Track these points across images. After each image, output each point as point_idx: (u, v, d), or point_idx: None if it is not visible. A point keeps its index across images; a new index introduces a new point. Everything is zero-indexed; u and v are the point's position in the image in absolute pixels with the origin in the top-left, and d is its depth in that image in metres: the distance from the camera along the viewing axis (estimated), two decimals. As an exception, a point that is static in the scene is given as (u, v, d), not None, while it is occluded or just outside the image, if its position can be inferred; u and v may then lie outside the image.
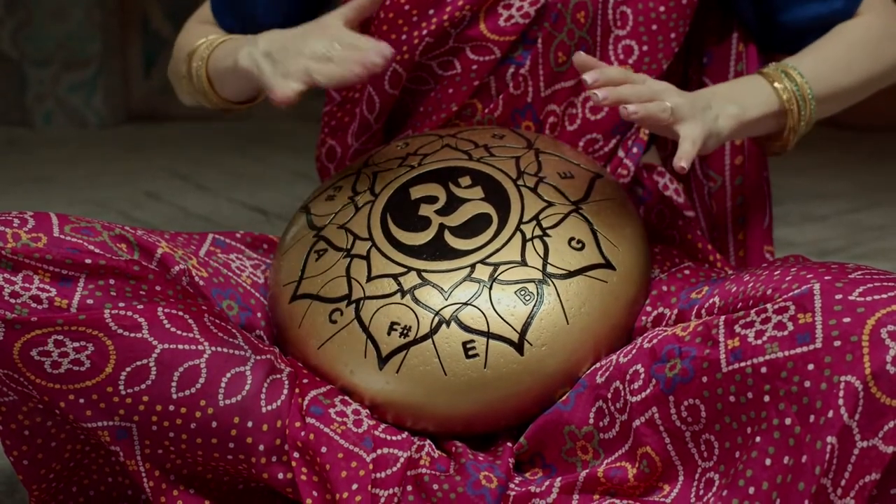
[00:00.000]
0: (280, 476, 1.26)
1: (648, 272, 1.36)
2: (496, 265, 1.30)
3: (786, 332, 1.14)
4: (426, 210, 1.36)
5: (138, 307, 1.25)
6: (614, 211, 1.36)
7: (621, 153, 1.47)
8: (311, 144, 1.46)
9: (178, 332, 1.25)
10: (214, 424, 1.25)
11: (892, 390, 1.08)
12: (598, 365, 1.29)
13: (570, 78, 1.46)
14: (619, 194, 1.39)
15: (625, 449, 1.25)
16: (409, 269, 1.31)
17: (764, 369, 1.14)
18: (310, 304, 1.33)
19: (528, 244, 1.31)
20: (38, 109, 4.63)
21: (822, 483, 1.09)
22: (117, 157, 4.08)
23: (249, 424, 1.26)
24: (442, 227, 1.34)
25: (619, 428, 1.25)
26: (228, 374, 1.26)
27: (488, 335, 1.27)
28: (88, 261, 1.25)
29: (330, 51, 1.33)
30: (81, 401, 1.24)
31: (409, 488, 1.25)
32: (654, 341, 1.24)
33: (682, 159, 1.25)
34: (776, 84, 1.38)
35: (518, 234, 1.32)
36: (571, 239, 1.32)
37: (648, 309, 1.33)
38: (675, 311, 1.30)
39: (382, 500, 1.23)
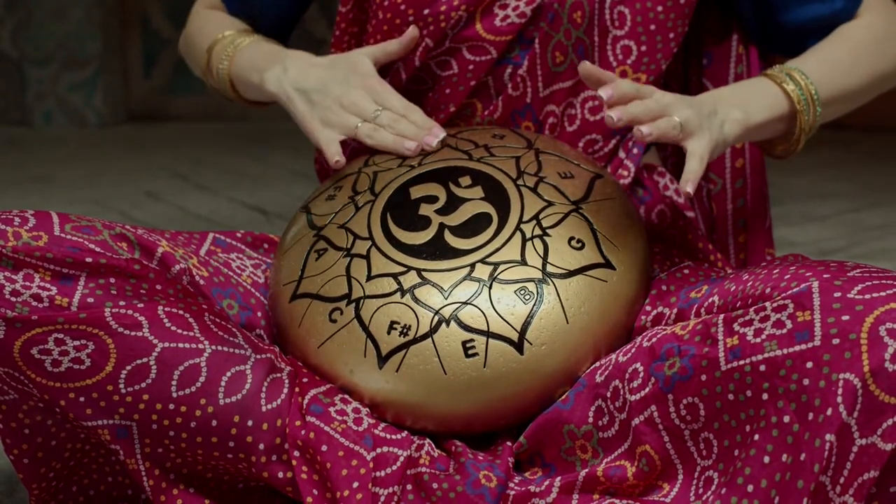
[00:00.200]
0: (280, 475, 1.26)
1: (648, 272, 1.36)
2: (496, 264, 1.30)
3: (784, 331, 1.14)
4: (426, 209, 1.36)
5: (139, 306, 1.25)
6: (614, 211, 1.36)
7: (622, 154, 1.47)
8: (311, 144, 1.47)
9: (179, 331, 1.26)
10: (214, 423, 1.25)
11: (891, 388, 1.08)
12: (597, 364, 1.29)
13: (567, 78, 1.46)
14: (620, 194, 1.39)
15: (624, 448, 1.25)
16: (409, 268, 1.31)
17: (763, 367, 1.14)
18: (310, 303, 1.33)
19: (528, 244, 1.31)
20: (37, 109, 4.64)
21: (821, 481, 1.09)
22: (117, 157, 4.08)
23: (249, 423, 1.26)
24: (442, 226, 1.34)
25: (618, 427, 1.25)
26: (229, 373, 1.26)
27: (488, 334, 1.27)
28: (89, 259, 1.25)
29: (380, 116, 1.41)
30: (82, 399, 1.25)
31: (409, 487, 1.25)
32: (654, 340, 1.24)
33: (689, 181, 1.26)
34: (785, 85, 1.39)
35: (518, 234, 1.32)
36: (571, 238, 1.32)
37: (648, 308, 1.33)
38: (675, 311, 1.30)
39: (382, 498, 1.23)
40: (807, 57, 1.45)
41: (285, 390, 1.28)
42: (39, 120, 4.63)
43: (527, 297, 1.28)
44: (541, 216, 1.33)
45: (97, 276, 1.25)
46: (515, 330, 1.27)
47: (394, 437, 1.28)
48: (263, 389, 1.27)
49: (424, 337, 1.27)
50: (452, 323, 1.27)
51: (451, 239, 1.33)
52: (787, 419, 1.12)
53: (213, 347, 1.26)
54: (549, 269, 1.29)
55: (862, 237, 2.93)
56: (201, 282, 1.34)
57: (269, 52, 1.50)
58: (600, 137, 1.47)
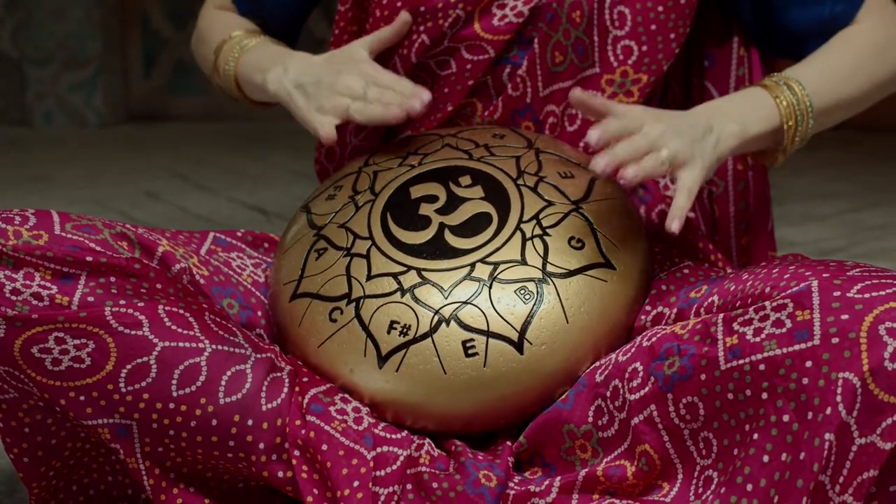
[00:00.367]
0: (280, 474, 1.26)
1: (648, 272, 1.36)
2: (496, 264, 1.30)
3: (784, 330, 1.14)
4: (426, 209, 1.36)
5: (139, 305, 1.25)
6: (614, 210, 1.36)
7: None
8: (311, 144, 1.47)
9: (179, 330, 1.26)
10: (214, 422, 1.26)
11: (890, 387, 1.08)
12: (597, 364, 1.29)
13: (567, 78, 1.46)
14: (620, 194, 1.39)
15: (624, 447, 1.25)
16: (409, 267, 1.31)
17: (762, 366, 1.14)
18: (310, 302, 1.33)
19: (528, 243, 1.31)
20: (37, 109, 4.64)
21: (821, 480, 1.10)
22: (117, 157, 4.08)
23: (249, 423, 1.26)
24: (442, 226, 1.34)
25: (617, 426, 1.25)
26: (229, 373, 1.26)
27: (488, 334, 1.27)
28: (89, 258, 1.25)
29: (368, 91, 1.40)
30: (82, 398, 1.25)
31: (409, 486, 1.25)
32: (654, 339, 1.25)
33: (676, 218, 1.26)
34: (779, 99, 1.38)
35: (518, 234, 1.32)
36: (571, 238, 1.32)
37: (648, 308, 1.33)
38: (675, 310, 1.30)
39: (382, 498, 1.23)
40: (806, 64, 1.44)
41: (285, 390, 1.28)
42: (39, 120, 4.63)
43: (527, 296, 1.28)
44: (541, 216, 1.33)
45: (98, 275, 1.25)
46: (515, 329, 1.27)
47: (394, 436, 1.28)
48: (263, 389, 1.27)
49: (424, 336, 1.28)
50: (452, 322, 1.27)
51: (451, 238, 1.33)
52: (786, 418, 1.13)
53: (214, 347, 1.26)
54: (550, 268, 1.29)
55: (862, 237, 2.93)
56: (201, 281, 1.34)
57: (274, 54, 1.51)
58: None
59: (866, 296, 1.12)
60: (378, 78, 1.41)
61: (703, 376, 1.19)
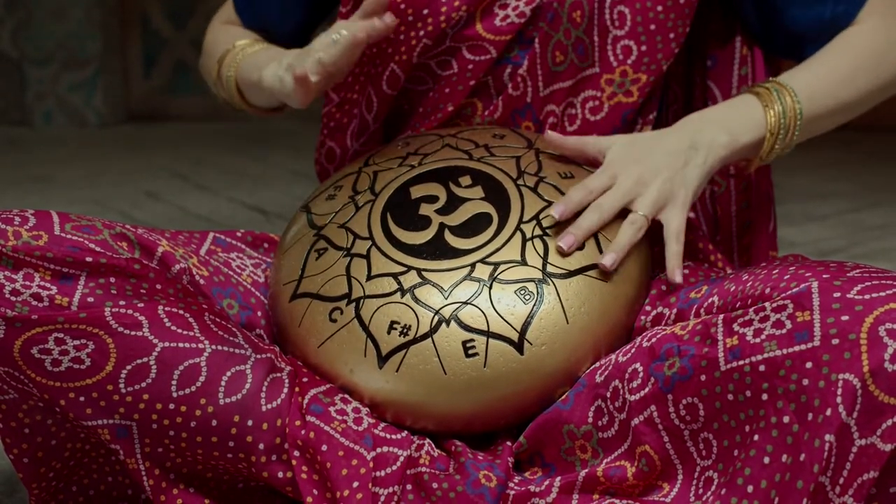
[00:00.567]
0: (280, 475, 1.26)
1: (648, 272, 1.36)
2: (496, 264, 1.30)
3: (784, 331, 1.14)
4: (426, 209, 1.36)
5: (139, 305, 1.25)
6: (614, 210, 1.36)
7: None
8: (311, 144, 1.47)
9: (179, 331, 1.26)
10: (214, 423, 1.26)
11: (891, 388, 1.08)
12: (597, 364, 1.29)
13: (568, 78, 1.46)
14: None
15: (624, 448, 1.25)
16: (409, 268, 1.31)
17: (762, 367, 1.14)
18: (310, 302, 1.33)
19: (528, 244, 1.31)
20: (37, 109, 4.64)
21: (821, 481, 1.09)
22: (117, 157, 4.08)
23: (249, 423, 1.26)
24: (442, 226, 1.34)
25: (617, 427, 1.25)
26: (229, 373, 1.26)
27: (488, 334, 1.27)
28: (89, 259, 1.25)
29: (336, 36, 1.37)
30: (82, 399, 1.25)
31: (409, 487, 1.25)
32: (654, 340, 1.25)
33: (675, 269, 1.29)
34: (767, 107, 1.38)
35: (518, 234, 1.32)
36: (571, 238, 1.32)
37: (648, 308, 1.33)
38: (675, 311, 1.30)
39: (382, 498, 1.23)
40: (805, 68, 1.44)
41: (285, 390, 1.28)
42: (39, 120, 4.63)
43: (527, 297, 1.28)
44: (541, 216, 1.33)
45: (97, 276, 1.25)
46: (515, 330, 1.27)
47: (394, 436, 1.28)
48: (263, 389, 1.27)
49: (424, 337, 1.28)
50: (452, 323, 1.27)
51: (451, 239, 1.33)
52: (786, 419, 1.12)
53: (214, 347, 1.26)
54: (550, 269, 1.29)
55: (862, 237, 2.93)
56: (201, 281, 1.34)
57: (274, 54, 1.50)
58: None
59: (866, 297, 1.12)
60: (347, 25, 1.38)
61: (703, 377, 1.19)
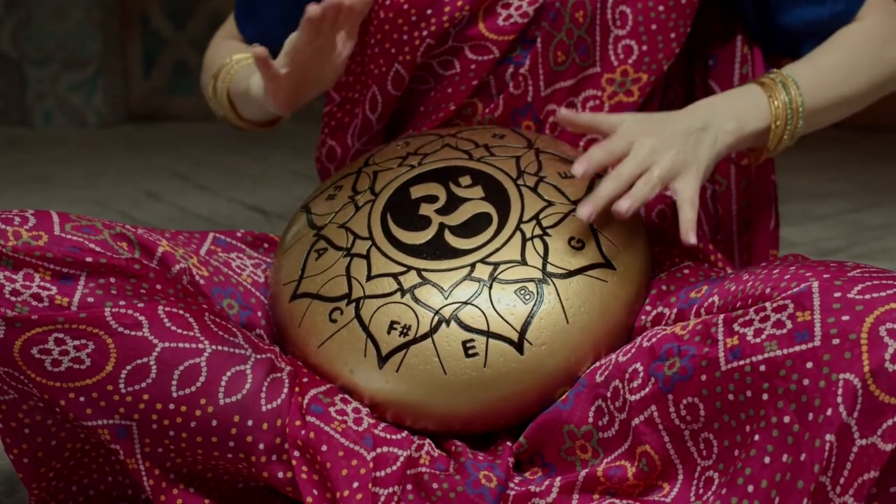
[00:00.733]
0: (280, 475, 1.26)
1: (648, 272, 1.36)
2: (496, 264, 1.30)
3: (784, 331, 1.14)
4: (426, 209, 1.36)
5: (139, 305, 1.25)
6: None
7: (622, 153, 1.47)
8: (311, 144, 1.47)
9: (179, 331, 1.25)
10: (214, 423, 1.25)
11: (891, 388, 1.08)
12: (597, 364, 1.29)
13: (569, 77, 1.46)
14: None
15: (624, 448, 1.25)
16: (409, 268, 1.31)
17: (763, 367, 1.14)
18: (310, 303, 1.33)
19: (528, 243, 1.31)
20: (37, 109, 4.64)
21: (821, 481, 1.09)
22: (117, 157, 4.08)
23: (249, 423, 1.26)
24: (442, 226, 1.34)
25: (618, 427, 1.25)
26: (229, 373, 1.26)
27: (488, 334, 1.27)
28: (89, 259, 1.25)
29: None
30: (82, 399, 1.25)
31: (409, 487, 1.25)
32: (654, 340, 1.24)
33: (689, 231, 1.27)
34: (772, 99, 1.38)
35: (518, 234, 1.32)
36: (571, 238, 1.32)
37: (648, 308, 1.33)
38: (675, 311, 1.30)
39: (382, 498, 1.23)
40: (805, 62, 1.44)
41: (285, 390, 1.28)
42: (39, 120, 4.63)
43: (527, 297, 1.28)
44: (541, 216, 1.33)
45: (97, 276, 1.25)
46: (515, 330, 1.27)
47: (394, 437, 1.28)
48: (263, 389, 1.27)
49: (424, 337, 1.27)
50: (452, 323, 1.27)
51: (451, 239, 1.33)
52: (787, 419, 1.12)
53: (214, 347, 1.26)
54: (550, 268, 1.29)
55: (862, 237, 2.93)
56: (201, 281, 1.34)
57: None
58: (601, 137, 1.47)
59: (867, 297, 1.12)
60: None
61: (703, 377, 1.19)
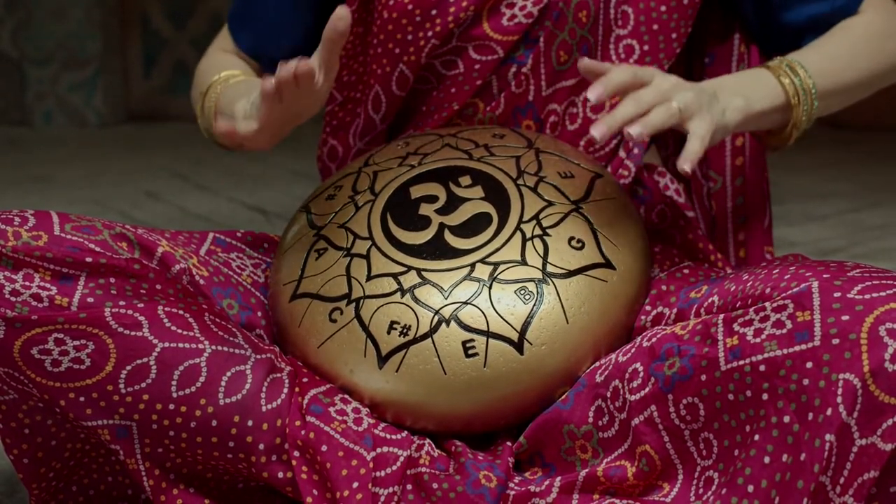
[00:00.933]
0: (280, 475, 1.26)
1: (648, 272, 1.36)
2: (496, 264, 1.30)
3: (784, 331, 1.14)
4: (426, 209, 1.36)
5: (139, 306, 1.25)
6: (614, 210, 1.36)
7: (622, 153, 1.47)
8: (312, 144, 1.47)
9: (179, 331, 1.25)
10: (214, 423, 1.25)
11: (891, 388, 1.08)
12: (597, 364, 1.29)
13: (571, 77, 1.46)
14: (620, 194, 1.39)
15: (624, 448, 1.25)
16: (409, 268, 1.31)
17: (762, 367, 1.14)
18: (310, 303, 1.33)
19: (528, 243, 1.31)
20: (37, 109, 4.64)
21: (821, 481, 1.09)
22: (117, 157, 4.08)
23: (249, 423, 1.26)
24: (442, 226, 1.34)
25: (618, 427, 1.25)
26: (228, 373, 1.26)
27: (488, 334, 1.27)
28: (89, 259, 1.25)
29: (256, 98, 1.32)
30: (81, 399, 1.24)
31: (409, 487, 1.25)
32: (654, 340, 1.24)
33: (688, 160, 1.23)
34: (782, 78, 1.39)
35: (518, 234, 1.32)
36: (571, 238, 1.32)
37: (648, 308, 1.33)
38: (675, 311, 1.30)
39: (382, 498, 1.23)
40: (807, 50, 1.45)
41: (285, 390, 1.28)
42: (39, 120, 4.63)
43: (527, 296, 1.28)
44: (541, 216, 1.33)
45: (97, 276, 1.25)
46: (515, 330, 1.27)
47: (394, 437, 1.28)
48: (263, 389, 1.27)
49: (424, 337, 1.28)
50: (452, 323, 1.27)
51: (451, 239, 1.33)
52: (787, 419, 1.12)
53: (213, 347, 1.26)
54: (549, 268, 1.29)
55: (862, 237, 2.93)
56: (201, 281, 1.34)
57: (255, 84, 1.43)
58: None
59: (867, 297, 1.12)
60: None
61: (703, 377, 1.19)
